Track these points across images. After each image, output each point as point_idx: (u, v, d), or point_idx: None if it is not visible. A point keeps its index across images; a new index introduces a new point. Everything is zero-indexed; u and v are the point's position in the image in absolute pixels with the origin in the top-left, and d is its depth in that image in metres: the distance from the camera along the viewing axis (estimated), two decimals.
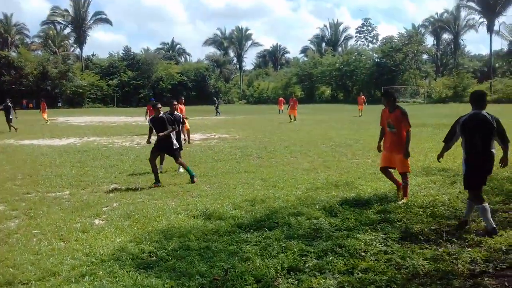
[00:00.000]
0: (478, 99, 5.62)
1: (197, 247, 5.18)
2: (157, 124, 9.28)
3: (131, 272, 4.51)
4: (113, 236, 5.70)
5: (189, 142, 16.22)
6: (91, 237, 5.70)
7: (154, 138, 9.50)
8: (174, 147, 9.31)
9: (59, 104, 67.68)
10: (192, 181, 9.07)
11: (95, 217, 6.71)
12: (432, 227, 5.68)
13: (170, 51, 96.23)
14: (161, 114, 9.31)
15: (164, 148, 9.32)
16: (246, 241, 5.34)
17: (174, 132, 9.40)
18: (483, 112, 5.50)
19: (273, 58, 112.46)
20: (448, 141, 5.84)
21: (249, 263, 4.66)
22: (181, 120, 10.75)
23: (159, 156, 10.48)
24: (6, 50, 76.11)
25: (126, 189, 8.69)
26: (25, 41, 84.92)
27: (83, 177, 9.97)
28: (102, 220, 6.57)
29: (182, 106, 16.31)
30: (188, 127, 16.46)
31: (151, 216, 6.57)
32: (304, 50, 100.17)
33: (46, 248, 5.34)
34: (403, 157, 6.84)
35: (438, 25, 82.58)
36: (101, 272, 4.53)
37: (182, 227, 5.96)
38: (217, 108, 40.75)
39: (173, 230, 5.82)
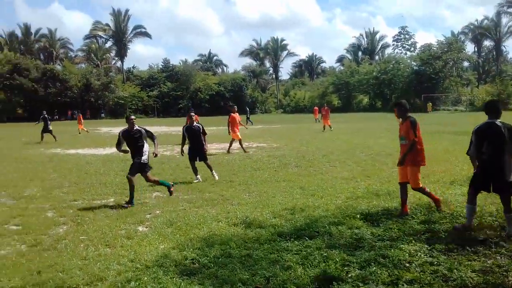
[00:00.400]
0: (492, 109, 5.83)
1: (238, 254, 5.22)
2: (132, 137, 8.44)
3: (174, 279, 4.60)
4: (156, 243, 5.83)
5: (228, 152, 16.42)
6: (135, 244, 5.85)
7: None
8: (142, 161, 8.46)
9: (102, 115, 70.33)
10: (130, 202, 8.22)
11: (139, 224, 6.88)
12: (479, 238, 5.49)
13: (208, 63, 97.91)
14: (136, 127, 8.46)
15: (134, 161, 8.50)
16: (287, 250, 5.34)
17: (149, 146, 8.55)
18: (497, 121, 5.67)
19: (309, 67, 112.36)
20: (469, 152, 5.98)
21: (290, 271, 4.65)
22: (201, 130, 10.68)
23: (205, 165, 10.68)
24: (52, 63, 79.88)
25: (168, 197, 8.86)
26: (69, 54, 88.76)
27: (127, 185, 10.16)
28: (146, 227, 6.73)
29: (236, 115, 16.67)
30: (240, 137, 16.71)
31: (193, 223, 6.68)
32: (340, 59, 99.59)
33: (93, 254, 5.51)
34: (412, 169, 6.69)
35: (478, 32, 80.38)
36: (146, 278, 4.63)
37: (223, 235, 6.03)
38: (248, 118, 41.23)
39: (215, 238, 5.90)
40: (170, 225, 6.66)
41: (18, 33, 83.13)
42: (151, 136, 8.62)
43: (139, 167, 8.47)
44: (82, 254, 5.54)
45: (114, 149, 18.95)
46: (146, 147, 8.54)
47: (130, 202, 8.20)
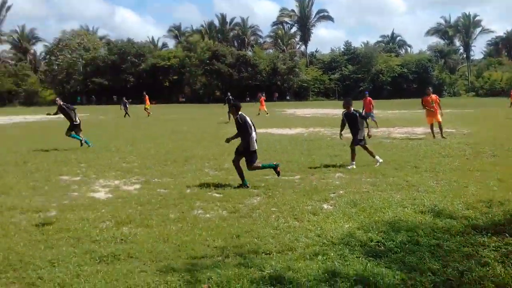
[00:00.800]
0: None
1: (427, 243, 5.03)
2: (236, 124, 8.93)
3: (361, 258, 4.66)
4: (341, 222, 5.98)
5: (442, 136, 15.41)
6: (321, 220, 6.10)
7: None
8: (251, 149, 8.69)
9: (288, 97, 74.27)
10: (277, 172, 8.92)
11: (323, 202, 7.14)
12: None
13: (390, 44, 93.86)
14: (237, 115, 8.78)
15: (241, 149, 8.88)
16: (483, 245, 4.92)
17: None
18: None
19: (507, 45, 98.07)
20: None
21: (487, 268, 4.30)
22: (358, 116, 10.71)
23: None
24: (244, 50, 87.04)
25: (351, 179, 8.96)
26: (258, 41, 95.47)
27: (311, 164, 10.71)
28: (330, 205, 6.95)
29: (430, 97, 15.75)
30: (440, 119, 15.73)
31: (377, 206, 6.64)
32: None
33: (283, 225, 5.93)
34: None
35: None
36: (332, 254, 4.80)
37: (409, 221, 5.86)
38: None
39: (400, 223, 5.78)
40: (354, 206, 6.74)
41: (216, 23, 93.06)
42: (245, 126, 8.69)
43: (253, 155, 8.78)
44: (274, 224, 6.01)
45: (298, 130, 20.03)
46: (252, 136, 8.69)
47: (243, 183, 8.60)
